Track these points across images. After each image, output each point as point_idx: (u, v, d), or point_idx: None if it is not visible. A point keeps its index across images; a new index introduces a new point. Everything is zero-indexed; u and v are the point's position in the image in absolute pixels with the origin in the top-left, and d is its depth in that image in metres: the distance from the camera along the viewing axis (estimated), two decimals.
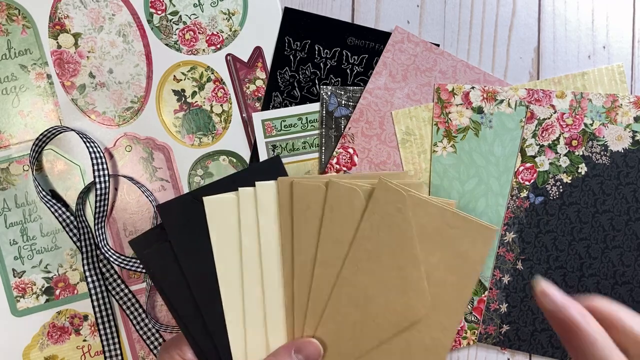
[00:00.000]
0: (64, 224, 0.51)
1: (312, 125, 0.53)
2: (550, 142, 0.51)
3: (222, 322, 0.40)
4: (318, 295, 0.40)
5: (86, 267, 0.51)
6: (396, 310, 0.39)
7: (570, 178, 0.51)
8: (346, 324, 0.40)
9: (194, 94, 0.53)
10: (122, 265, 0.50)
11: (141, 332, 0.52)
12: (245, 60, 0.53)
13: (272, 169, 0.42)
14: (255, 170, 0.42)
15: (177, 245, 0.40)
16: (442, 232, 0.39)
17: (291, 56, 0.53)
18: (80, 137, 0.50)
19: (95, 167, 0.49)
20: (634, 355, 0.26)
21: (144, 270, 0.50)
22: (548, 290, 0.30)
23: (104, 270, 0.52)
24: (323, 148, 0.53)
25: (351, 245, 0.39)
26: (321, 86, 0.53)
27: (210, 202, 0.40)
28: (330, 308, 0.40)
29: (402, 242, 0.39)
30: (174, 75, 0.53)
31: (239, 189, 0.40)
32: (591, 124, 0.51)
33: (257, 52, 0.53)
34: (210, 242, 0.40)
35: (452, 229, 0.39)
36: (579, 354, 0.27)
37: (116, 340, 0.52)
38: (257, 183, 0.40)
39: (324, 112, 0.52)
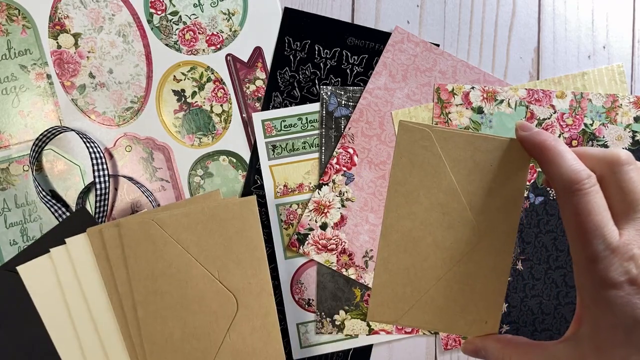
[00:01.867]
0: None
1: (312, 125, 0.53)
2: None
3: None
4: (150, 334, 0.41)
5: None
6: (446, 247, 0.39)
7: None
8: (400, 269, 0.40)
9: (194, 94, 0.53)
10: None
11: None
12: (245, 60, 0.53)
13: (82, 220, 0.43)
14: (64, 226, 0.43)
15: (5, 320, 0.41)
16: (475, 159, 0.39)
17: (291, 56, 0.53)
18: (80, 137, 0.50)
19: (95, 167, 0.49)
20: (600, 175, 0.31)
21: None
22: (525, 124, 0.35)
23: None
24: (323, 148, 0.53)
25: (388, 193, 0.40)
26: (321, 86, 0.53)
27: (25, 270, 0.41)
28: (380, 257, 0.40)
29: (437, 179, 0.39)
30: (174, 76, 0.53)
31: (50, 250, 0.41)
32: (591, 124, 0.51)
33: (257, 52, 0.53)
34: (35, 309, 0.41)
35: (485, 154, 0.38)
36: (550, 167, 0.32)
37: None
38: (67, 240, 0.41)
39: (324, 112, 0.52)
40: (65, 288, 0.41)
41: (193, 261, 0.41)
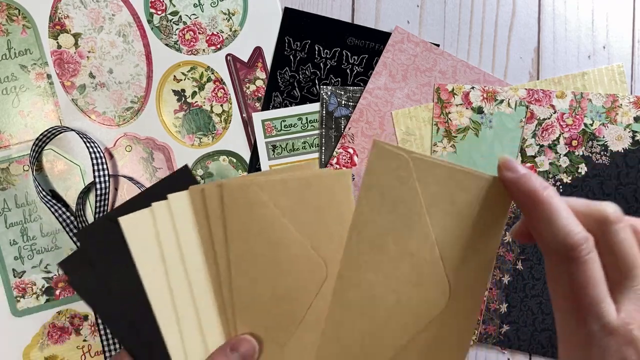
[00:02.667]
0: (64, 224, 0.51)
1: (312, 125, 0.53)
2: (550, 142, 0.51)
3: (159, 333, 0.42)
4: (241, 293, 0.40)
5: None
6: (411, 309, 0.33)
7: (570, 178, 0.51)
8: (352, 338, 0.34)
9: (194, 94, 0.53)
10: None
11: None
12: (245, 60, 0.53)
13: (183, 179, 0.43)
14: (166, 183, 0.44)
15: (102, 268, 0.42)
16: (454, 199, 0.32)
17: (291, 56, 0.53)
18: (80, 137, 0.50)
19: (95, 167, 0.49)
20: (592, 232, 0.27)
21: None
22: (511, 162, 0.29)
23: None
24: (323, 148, 0.53)
25: (349, 235, 0.34)
26: (321, 86, 0.53)
27: (126, 221, 0.41)
28: (330, 322, 0.35)
29: (410, 221, 0.32)
30: (174, 75, 0.53)
31: (152, 204, 0.41)
32: (591, 124, 0.51)
33: (257, 52, 0.53)
34: (133, 259, 0.41)
35: (464, 192, 0.32)
36: (540, 224, 0.27)
37: (117, 340, 0.52)
38: (169, 195, 0.41)
39: (324, 112, 0.52)
40: (164, 242, 0.41)
41: (287, 226, 0.39)
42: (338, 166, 0.52)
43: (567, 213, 0.27)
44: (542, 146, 0.51)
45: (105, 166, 0.50)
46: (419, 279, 0.33)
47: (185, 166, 0.44)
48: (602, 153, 0.51)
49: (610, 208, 0.27)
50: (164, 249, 0.41)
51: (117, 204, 0.53)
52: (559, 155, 0.51)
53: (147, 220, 0.41)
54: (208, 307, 0.42)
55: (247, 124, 0.53)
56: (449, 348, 0.33)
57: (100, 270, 0.42)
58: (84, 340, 0.52)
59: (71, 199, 0.52)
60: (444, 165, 0.32)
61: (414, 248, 0.32)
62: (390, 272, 0.33)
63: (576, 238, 0.26)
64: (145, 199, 0.42)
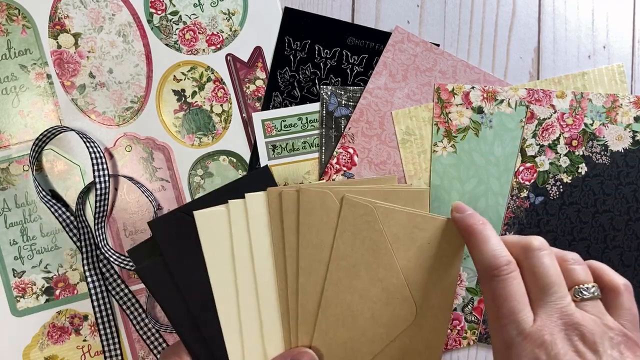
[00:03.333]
0: (64, 224, 0.51)
1: (312, 125, 0.53)
2: (551, 142, 0.51)
3: (219, 331, 0.41)
4: (306, 303, 0.41)
5: (86, 267, 0.51)
6: (383, 323, 0.40)
7: (570, 178, 0.51)
8: (336, 343, 0.40)
9: (194, 94, 0.53)
10: (122, 265, 0.50)
11: (141, 332, 0.52)
12: (245, 60, 0.53)
13: (261, 179, 0.43)
14: (244, 182, 0.43)
15: (171, 259, 0.41)
16: (414, 237, 0.40)
17: (291, 56, 0.53)
18: (80, 137, 0.50)
19: (95, 167, 0.49)
20: (517, 260, 0.32)
21: None
22: (460, 206, 0.37)
23: (104, 270, 0.52)
24: (323, 148, 0.53)
25: (328, 266, 0.40)
26: (321, 86, 0.53)
27: (201, 216, 0.41)
28: (318, 330, 0.40)
29: (378, 254, 0.40)
30: (174, 75, 0.53)
31: (229, 201, 0.41)
32: (591, 124, 0.51)
33: (257, 52, 0.53)
34: (203, 254, 0.41)
35: (423, 231, 0.40)
36: (474, 250, 0.34)
37: (116, 340, 0.52)
38: (246, 194, 0.41)
39: (324, 112, 0.52)
40: (235, 241, 0.41)
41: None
42: (338, 166, 0.52)
43: (496, 241, 0.33)
44: (542, 146, 0.51)
45: (105, 166, 0.50)
46: (389, 299, 0.40)
47: (266, 166, 0.44)
48: (602, 153, 0.51)
49: (536, 240, 0.33)
50: (235, 248, 0.41)
51: (117, 204, 0.53)
52: (559, 155, 0.51)
53: (221, 216, 0.41)
54: (272, 312, 0.41)
55: (247, 123, 0.53)
56: (419, 356, 0.41)
57: (169, 263, 0.41)
58: (84, 340, 0.52)
59: (71, 199, 0.52)
60: (403, 211, 0.40)
61: (382, 275, 0.40)
62: (364, 293, 0.40)
63: (499, 260, 0.32)
64: (222, 195, 0.41)
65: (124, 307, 0.52)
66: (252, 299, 0.41)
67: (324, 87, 0.53)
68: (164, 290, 0.42)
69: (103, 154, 0.51)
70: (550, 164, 0.51)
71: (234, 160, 0.53)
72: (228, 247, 0.41)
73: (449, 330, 0.52)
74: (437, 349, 0.41)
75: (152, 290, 0.42)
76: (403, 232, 0.40)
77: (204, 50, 0.53)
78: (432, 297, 0.40)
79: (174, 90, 0.53)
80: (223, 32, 0.53)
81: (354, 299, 0.40)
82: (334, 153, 0.52)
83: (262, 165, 0.44)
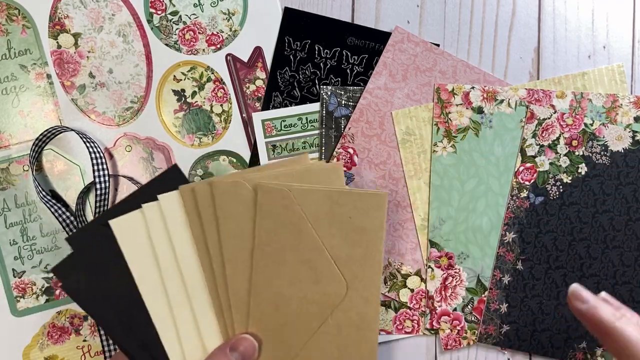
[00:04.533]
0: (64, 224, 0.51)
1: (312, 125, 0.53)
2: (550, 142, 0.51)
3: (156, 335, 0.41)
4: (237, 293, 0.41)
5: None
6: (315, 301, 0.41)
7: (570, 178, 0.51)
8: (273, 328, 0.41)
9: (194, 94, 0.53)
10: None
11: None
12: (245, 60, 0.53)
13: (172, 179, 0.43)
14: (155, 183, 0.43)
15: (95, 271, 0.42)
16: (334, 213, 0.40)
17: (291, 56, 0.53)
18: (80, 137, 0.50)
19: (95, 167, 0.49)
20: None
21: None
22: (579, 292, 0.31)
23: None
24: (323, 148, 0.53)
25: (252, 254, 0.41)
26: (321, 86, 0.53)
27: (118, 224, 0.41)
28: (252, 317, 0.41)
29: (301, 236, 0.40)
30: (174, 75, 0.53)
31: (143, 205, 0.41)
32: (591, 124, 0.51)
33: (257, 52, 0.53)
34: (126, 262, 0.41)
35: (342, 207, 0.40)
36: (616, 353, 0.28)
37: None
38: (159, 196, 0.41)
39: (324, 112, 0.52)
40: (156, 243, 0.41)
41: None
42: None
43: (636, 335, 0.28)
44: (542, 146, 0.51)
45: (105, 166, 0.50)
46: (318, 277, 0.41)
47: (175, 165, 0.44)
48: (602, 153, 0.51)
49: None
50: (157, 251, 0.41)
51: None
52: (559, 155, 0.51)
53: (138, 222, 0.41)
54: (204, 307, 0.42)
55: (247, 124, 0.53)
56: (357, 329, 0.41)
57: (93, 274, 0.42)
58: (84, 341, 0.52)
59: (71, 199, 0.52)
60: (320, 189, 0.40)
61: (308, 255, 0.41)
62: (292, 276, 0.41)
63: None
64: (136, 200, 0.41)
65: None
66: (182, 298, 0.41)
67: (324, 87, 0.53)
68: (93, 303, 0.42)
69: (103, 154, 0.51)
70: (550, 164, 0.51)
71: (234, 160, 0.53)
72: (150, 251, 0.41)
73: (448, 330, 0.52)
74: (373, 321, 0.41)
75: (82, 305, 0.42)
76: (322, 210, 0.40)
77: (204, 50, 0.53)
78: (360, 270, 0.41)
79: (174, 90, 0.53)
80: (223, 32, 0.53)
81: (283, 283, 0.41)
82: (334, 153, 0.52)
83: (172, 167, 0.44)
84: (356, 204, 0.40)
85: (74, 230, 0.51)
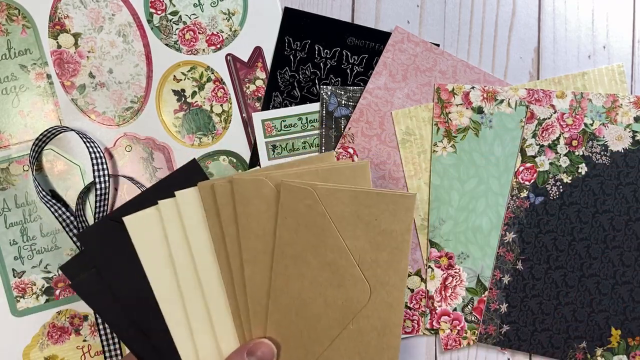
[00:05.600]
0: (64, 224, 0.51)
1: (312, 125, 0.53)
2: (550, 142, 0.51)
3: (169, 337, 0.40)
4: (255, 296, 0.40)
5: None
6: (337, 306, 0.39)
7: (570, 178, 0.51)
8: (292, 333, 0.39)
9: (194, 94, 0.53)
10: None
11: None
12: (245, 60, 0.53)
13: (190, 175, 0.41)
14: (172, 179, 0.41)
15: (106, 270, 0.40)
16: (360, 214, 0.38)
17: (291, 56, 0.53)
18: (80, 137, 0.50)
19: (95, 167, 0.49)
20: None
21: None
22: None
23: None
24: (323, 148, 0.53)
25: (273, 254, 0.39)
26: (321, 86, 0.53)
27: (132, 221, 0.39)
28: (271, 321, 0.39)
29: (324, 237, 0.39)
30: (174, 75, 0.53)
31: (159, 201, 0.39)
32: (591, 124, 0.51)
33: (257, 52, 0.53)
34: (139, 260, 0.40)
35: (369, 208, 0.38)
36: None
37: (116, 340, 0.52)
38: (176, 192, 0.39)
39: (324, 112, 0.52)
40: (172, 242, 0.40)
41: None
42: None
43: None
44: (542, 146, 0.51)
45: (105, 166, 0.50)
46: (340, 281, 0.39)
47: (193, 160, 0.42)
48: (602, 153, 0.51)
49: None
50: (172, 249, 0.40)
51: (117, 204, 0.53)
52: (559, 155, 0.51)
53: (153, 219, 0.40)
54: (221, 309, 0.40)
55: (247, 123, 0.53)
56: (379, 335, 0.39)
57: (104, 273, 0.40)
58: (84, 340, 0.52)
59: (71, 199, 0.52)
60: (345, 189, 0.38)
61: (331, 258, 0.39)
62: (314, 279, 0.39)
63: None
64: (151, 196, 0.40)
65: None
66: (198, 299, 0.40)
67: (324, 87, 0.53)
68: (103, 303, 0.40)
69: (103, 154, 0.51)
70: (550, 164, 0.51)
71: (234, 160, 0.53)
72: (165, 249, 0.40)
73: (448, 330, 0.52)
74: (396, 326, 0.40)
75: (91, 304, 0.40)
76: (348, 211, 0.38)
77: (204, 50, 0.53)
78: (385, 274, 0.39)
79: (174, 90, 0.53)
80: (223, 32, 0.53)
81: (304, 286, 0.39)
82: (334, 153, 0.52)
83: (190, 162, 0.42)
84: (383, 205, 0.38)
85: (74, 230, 0.51)
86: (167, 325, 0.40)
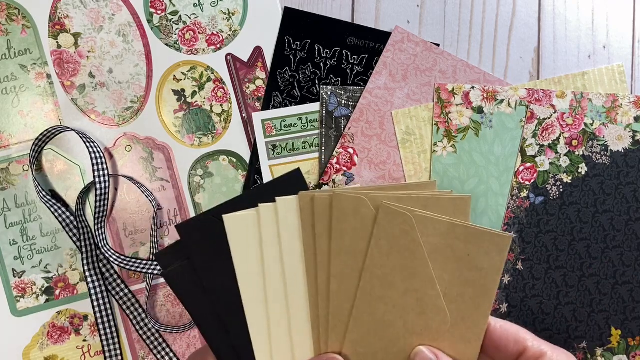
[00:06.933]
0: (64, 224, 0.51)
1: (312, 125, 0.53)
2: (551, 142, 0.51)
3: (247, 336, 0.40)
4: (338, 311, 0.40)
5: (86, 267, 0.51)
6: (416, 332, 0.39)
7: (570, 178, 0.51)
8: (367, 353, 0.40)
9: (194, 93, 0.53)
10: (122, 265, 0.50)
11: (141, 332, 0.52)
12: (245, 60, 0.53)
13: (292, 183, 0.41)
14: (275, 185, 0.42)
15: (199, 263, 0.41)
16: (453, 248, 0.38)
17: (291, 56, 0.53)
18: (80, 137, 0.50)
19: (95, 167, 0.49)
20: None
21: (143, 270, 0.50)
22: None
23: (104, 270, 0.52)
24: (323, 148, 0.53)
25: (362, 275, 0.39)
26: (321, 86, 0.53)
27: (231, 220, 0.40)
28: (349, 339, 0.40)
29: (414, 264, 0.39)
30: (174, 75, 0.53)
31: (260, 205, 0.40)
32: (591, 124, 0.51)
33: (257, 52, 0.53)
34: (232, 259, 0.40)
35: (463, 244, 0.38)
36: None
37: (116, 340, 0.52)
38: (277, 199, 0.40)
39: (324, 112, 0.52)
40: (265, 245, 0.40)
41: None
42: (338, 166, 0.52)
43: None
44: (542, 146, 0.51)
45: (105, 166, 0.50)
46: (422, 309, 0.39)
47: (298, 169, 0.42)
48: (602, 153, 0.51)
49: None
50: (265, 253, 0.40)
51: (117, 204, 0.53)
52: (559, 155, 0.51)
53: (251, 221, 0.40)
54: (302, 318, 0.41)
55: (247, 123, 0.53)
56: None
57: (196, 266, 0.40)
58: (84, 340, 0.52)
59: (71, 199, 0.52)
60: (443, 220, 0.38)
61: (418, 285, 0.39)
62: (397, 303, 0.39)
63: None
64: (252, 198, 0.40)
65: (124, 307, 0.52)
66: (281, 305, 0.40)
67: (324, 87, 0.53)
68: (191, 295, 0.41)
69: (103, 154, 0.51)
70: (550, 164, 0.51)
71: (234, 160, 0.53)
72: (258, 252, 0.40)
73: None
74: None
75: (179, 295, 0.41)
76: (442, 242, 0.38)
77: (204, 50, 0.53)
78: (468, 309, 0.39)
79: (174, 90, 0.53)
80: (223, 32, 0.53)
81: (387, 309, 0.39)
82: (334, 153, 0.52)
83: (294, 171, 0.43)
84: (478, 242, 0.38)
85: (74, 230, 0.51)
86: (247, 325, 0.40)
